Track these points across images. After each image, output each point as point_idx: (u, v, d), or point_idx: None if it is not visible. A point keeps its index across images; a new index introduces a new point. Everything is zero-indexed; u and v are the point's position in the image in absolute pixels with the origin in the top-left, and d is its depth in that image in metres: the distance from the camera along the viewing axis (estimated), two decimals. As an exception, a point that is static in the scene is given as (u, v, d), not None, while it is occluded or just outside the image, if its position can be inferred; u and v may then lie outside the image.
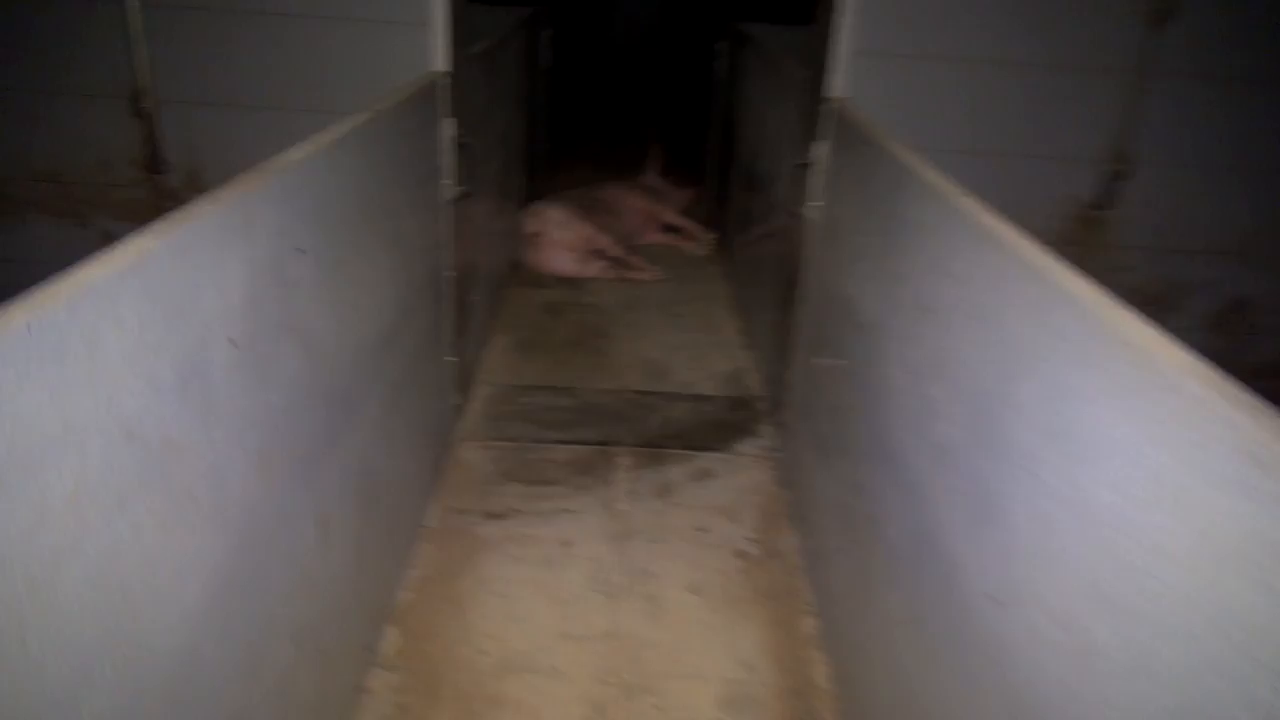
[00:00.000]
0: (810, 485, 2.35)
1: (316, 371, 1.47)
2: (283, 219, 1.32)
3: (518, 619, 2.05)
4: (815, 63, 2.57)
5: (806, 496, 2.40)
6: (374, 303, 1.85)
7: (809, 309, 2.50)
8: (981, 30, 2.38)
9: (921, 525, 1.45)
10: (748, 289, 3.76)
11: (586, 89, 8.57)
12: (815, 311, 2.45)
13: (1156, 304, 2.62)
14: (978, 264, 1.30)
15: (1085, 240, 2.53)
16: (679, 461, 2.73)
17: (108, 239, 1.04)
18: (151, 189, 2.57)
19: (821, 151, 2.41)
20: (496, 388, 3.10)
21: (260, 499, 1.26)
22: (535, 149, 4.80)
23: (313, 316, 1.45)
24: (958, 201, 1.42)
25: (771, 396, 3.04)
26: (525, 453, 2.72)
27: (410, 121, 2.14)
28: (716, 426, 2.96)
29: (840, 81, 2.37)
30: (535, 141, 4.78)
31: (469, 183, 2.47)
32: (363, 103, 1.84)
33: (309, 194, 1.42)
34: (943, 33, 2.39)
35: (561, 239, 4.06)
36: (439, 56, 2.37)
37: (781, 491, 2.62)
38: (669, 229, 4.71)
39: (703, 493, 2.59)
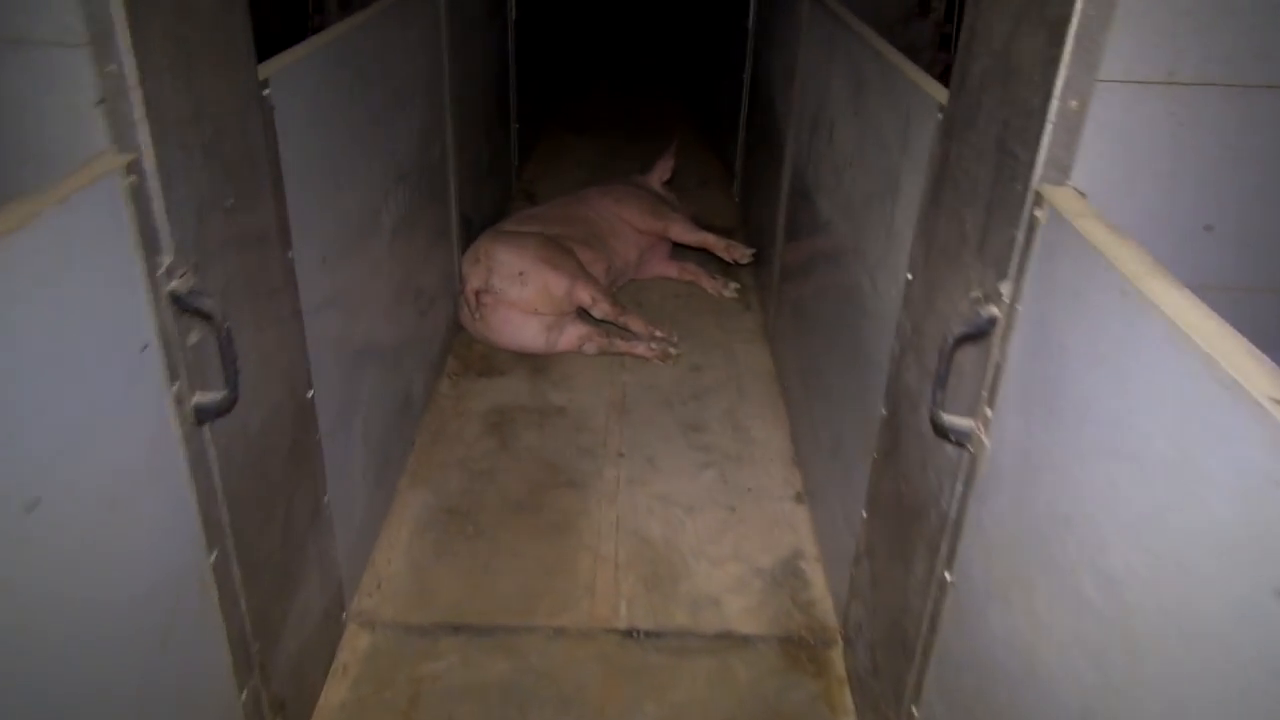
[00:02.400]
0: None
1: None
2: None
3: None
4: (976, 85, 1.18)
5: None
6: None
7: (965, 581, 1.19)
8: None
9: None
10: (802, 365, 2.40)
11: (576, 45, 7.07)
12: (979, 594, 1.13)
13: None
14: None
15: None
16: (694, 843, 1.45)
17: None
18: None
19: (1004, 303, 1.06)
20: (382, 634, 1.81)
21: None
22: (494, 145, 3.41)
23: None
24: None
25: (861, 639, 1.73)
26: (402, 840, 1.44)
27: (57, 282, 0.84)
28: (762, 723, 1.66)
29: (1061, 146, 0.99)
30: (493, 135, 3.38)
31: (236, 376, 1.13)
32: None
33: None
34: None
35: (520, 298, 2.70)
36: (136, 125, 1.01)
37: None
38: (680, 250, 3.32)
39: None
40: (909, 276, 1.45)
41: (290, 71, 1.41)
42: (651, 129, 5.09)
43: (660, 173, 3.57)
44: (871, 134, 1.73)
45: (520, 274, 2.69)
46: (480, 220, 3.13)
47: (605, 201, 3.21)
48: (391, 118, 2.02)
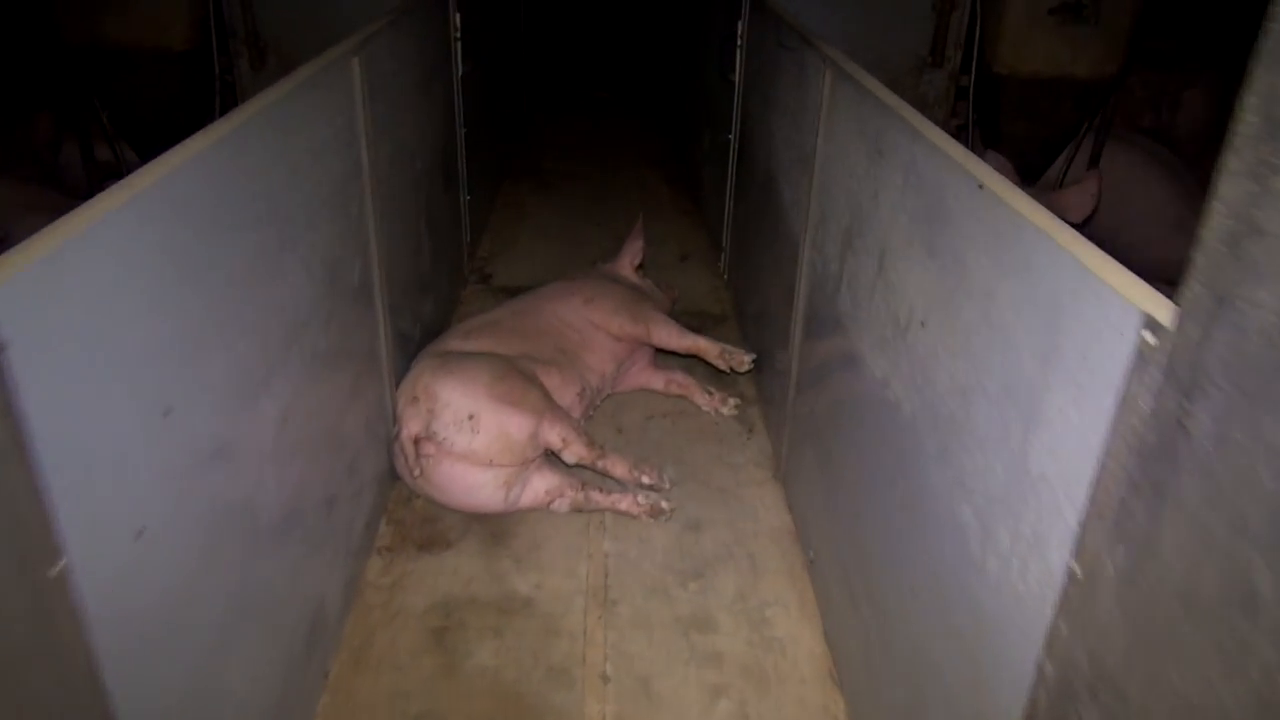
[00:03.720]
0: None
1: None
2: None
3: None
4: None
5: None
6: None
7: None
8: None
9: None
10: (841, 548, 1.84)
11: (530, 90, 6.56)
12: None
13: None
14: None
15: None
16: None
17: None
18: None
19: None
20: None
21: None
22: (439, 230, 2.83)
23: None
24: None
25: None
26: None
27: None
28: None
29: None
30: (438, 220, 2.81)
31: None
32: None
33: None
34: None
35: (470, 449, 2.11)
36: None
37: None
38: (664, 354, 2.76)
39: None
40: (1076, 570, 0.91)
41: (39, 278, 0.82)
42: (620, 184, 4.55)
43: (630, 256, 3.00)
44: (968, 299, 1.19)
45: (470, 418, 2.11)
46: (422, 331, 2.56)
47: (573, 303, 2.64)
48: (277, 260, 1.44)
